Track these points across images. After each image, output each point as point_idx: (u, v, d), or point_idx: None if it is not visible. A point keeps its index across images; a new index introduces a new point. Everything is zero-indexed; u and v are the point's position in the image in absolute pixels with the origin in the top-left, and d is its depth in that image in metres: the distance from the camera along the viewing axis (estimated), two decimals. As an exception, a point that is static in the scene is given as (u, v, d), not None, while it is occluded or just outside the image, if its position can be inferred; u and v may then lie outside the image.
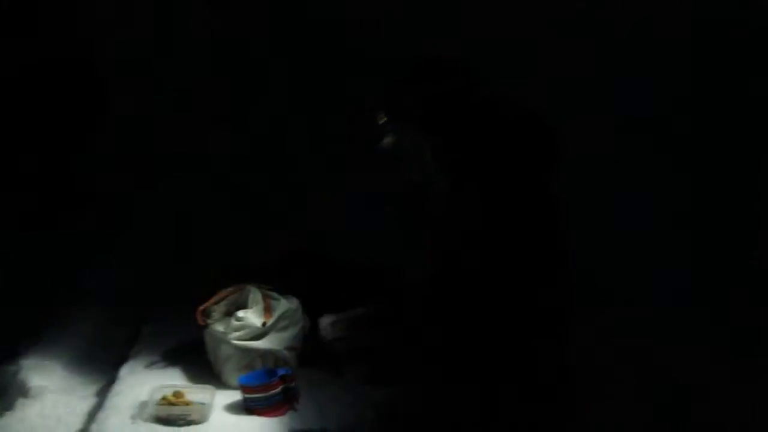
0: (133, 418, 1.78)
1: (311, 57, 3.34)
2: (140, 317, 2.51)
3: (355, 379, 2.01)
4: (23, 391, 2.10)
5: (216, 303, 2.08)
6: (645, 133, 3.25)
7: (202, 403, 1.80)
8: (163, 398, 1.80)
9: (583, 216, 2.32)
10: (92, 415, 1.90)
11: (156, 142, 3.33)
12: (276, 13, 3.32)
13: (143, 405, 1.82)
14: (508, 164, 1.81)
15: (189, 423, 1.74)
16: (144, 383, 1.96)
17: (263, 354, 1.97)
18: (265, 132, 3.37)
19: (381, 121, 2.00)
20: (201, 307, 2.05)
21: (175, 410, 1.77)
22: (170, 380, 1.98)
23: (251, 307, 2.04)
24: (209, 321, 2.04)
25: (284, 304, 2.08)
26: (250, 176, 3.31)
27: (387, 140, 2.00)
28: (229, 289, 2.13)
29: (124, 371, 2.08)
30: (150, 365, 2.12)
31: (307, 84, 3.34)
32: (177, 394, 1.82)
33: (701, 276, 2.76)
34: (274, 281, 2.20)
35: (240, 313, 2.01)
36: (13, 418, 1.98)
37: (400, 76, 2.00)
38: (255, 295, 2.08)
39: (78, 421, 1.95)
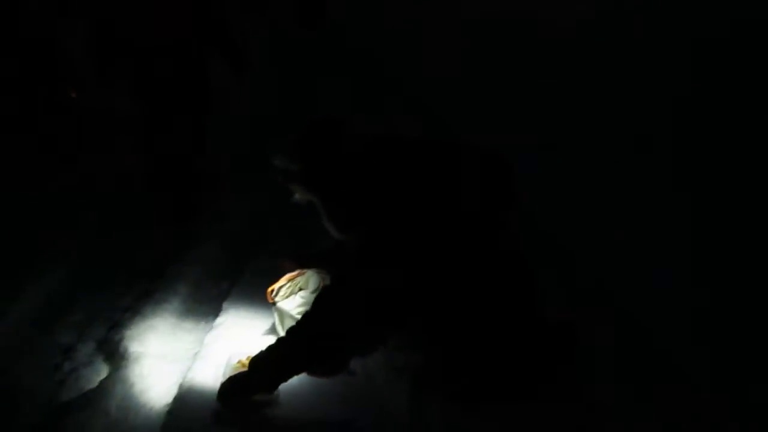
0: (216, 379, 2.14)
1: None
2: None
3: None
4: (125, 356, 2.51)
5: (282, 285, 2.44)
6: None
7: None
8: (239, 362, 2.16)
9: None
10: (183, 376, 2.29)
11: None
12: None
13: (225, 366, 2.19)
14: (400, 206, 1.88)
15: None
16: (229, 345, 2.35)
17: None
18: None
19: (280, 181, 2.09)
20: (269, 288, 2.42)
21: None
22: (248, 346, 2.34)
23: (311, 288, 2.41)
24: (276, 299, 2.40)
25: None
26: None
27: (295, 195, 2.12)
28: (294, 273, 2.48)
29: (209, 338, 2.47)
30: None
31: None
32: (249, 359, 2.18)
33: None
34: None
35: (301, 293, 2.37)
36: (116, 378, 2.41)
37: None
38: (314, 277, 2.45)
39: (172, 380, 2.34)
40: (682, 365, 2.27)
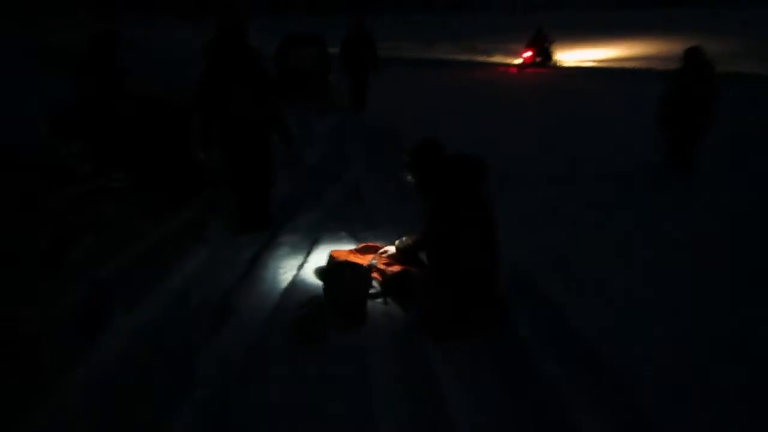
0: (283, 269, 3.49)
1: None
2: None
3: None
4: (199, 239, 3.85)
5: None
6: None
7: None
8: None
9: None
10: (254, 261, 3.63)
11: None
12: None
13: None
14: (452, 185, 3.51)
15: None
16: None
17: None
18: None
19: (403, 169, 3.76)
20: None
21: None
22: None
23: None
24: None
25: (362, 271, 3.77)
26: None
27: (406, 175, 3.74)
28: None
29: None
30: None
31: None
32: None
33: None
34: None
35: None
36: (188, 260, 3.73)
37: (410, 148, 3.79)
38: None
39: (242, 264, 3.68)
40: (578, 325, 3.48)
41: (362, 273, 3.79)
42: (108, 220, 4.81)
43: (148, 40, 21.14)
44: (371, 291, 3.80)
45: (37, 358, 3.06)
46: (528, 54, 18.19)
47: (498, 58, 21.28)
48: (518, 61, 18.70)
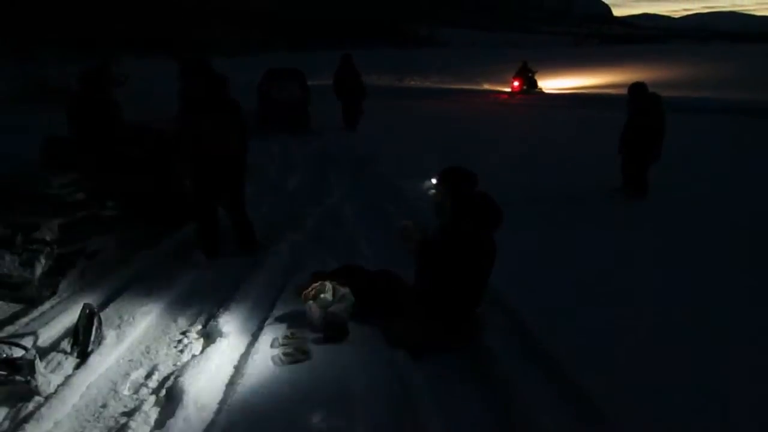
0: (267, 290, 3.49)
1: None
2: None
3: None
4: (187, 263, 3.98)
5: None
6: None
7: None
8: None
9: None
10: (239, 284, 3.79)
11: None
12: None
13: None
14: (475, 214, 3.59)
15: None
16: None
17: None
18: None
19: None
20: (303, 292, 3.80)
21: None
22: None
23: (327, 293, 3.77)
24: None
25: (343, 291, 3.79)
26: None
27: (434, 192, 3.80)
28: (316, 285, 3.85)
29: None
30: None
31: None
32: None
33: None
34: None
35: (322, 296, 3.74)
36: (176, 284, 3.84)
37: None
38: (329, 286, 3.80)
39: (228, 287, 3.83)
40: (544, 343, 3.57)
41: (344, 292, 3.81)
42: (99, 248, 4.78)
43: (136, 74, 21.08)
44: (351, 309, 3.82)
45: (31, 379, 3.02)
46: (516, 84, 20.37)
47: (488, 86, 22.52)
48: (508, 89, 20.86)
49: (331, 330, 3.61)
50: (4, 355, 3.12)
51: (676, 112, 8.87)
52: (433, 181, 3.90)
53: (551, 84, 22.06)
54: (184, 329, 3.87)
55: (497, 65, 29.03)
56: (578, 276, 4.51)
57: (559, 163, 8.94)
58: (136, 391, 3.16)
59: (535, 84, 20.58)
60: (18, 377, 3.00)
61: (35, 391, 3.02)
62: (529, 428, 2.81)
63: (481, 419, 2.94)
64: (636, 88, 6.98)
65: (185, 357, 3.51)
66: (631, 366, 3.27)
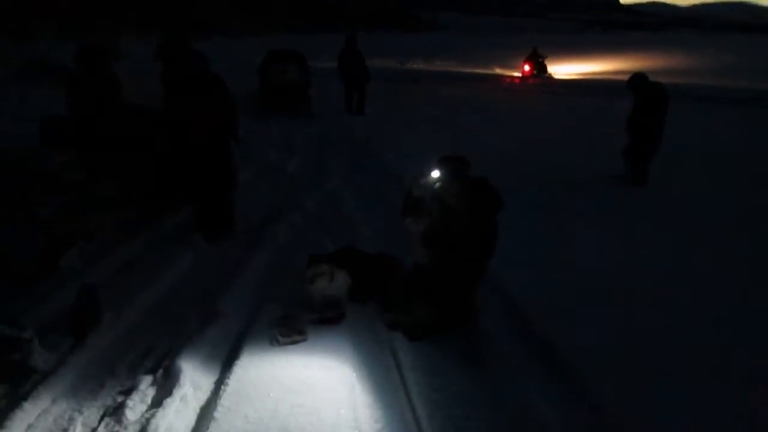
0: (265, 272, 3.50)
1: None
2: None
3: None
4: (186, 243, 4.07)
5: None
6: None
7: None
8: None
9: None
10: (238, 265, 3.82)
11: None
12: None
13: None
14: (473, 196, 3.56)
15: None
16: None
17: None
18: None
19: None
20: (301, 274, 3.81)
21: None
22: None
23: (325, 275, 3.76)
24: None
25: (341, 274, 3.79)
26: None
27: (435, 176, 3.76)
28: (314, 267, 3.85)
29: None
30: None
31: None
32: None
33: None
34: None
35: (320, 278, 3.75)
36: (175, 264, 3.87)
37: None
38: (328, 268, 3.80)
39: (227, 268, 3.88)
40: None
41: (341, 274, 3.81)
42: (98, 227, 4.77)
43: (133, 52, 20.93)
44: (349, 292, 3.83)
45: (29, 358, 3.03)
46: (527, 68, 21.03)
47: (500, 70, 23.60)
48: (517, 74, 21.63)
49: (329, 312, 3.62)
50: (2, 334, 3.12)
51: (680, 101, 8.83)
52: (433, 169, 3.86)
53: (559, 69, 22.32)
54: (182, 309, 3.87)
55: (504, 50, 28.93)
56: (578, 263, 4.51)
57: (564, 150, 8.91)
58: (133, 371, 3.17)
59: (544, 69, 21.12)
60: (15, 356, 3.01)
61: (33, 370, 3.03)
62: (521, 409, 2.83)
63: (474, 399, 2.96)
64: (636, 78, 6.98)
65: (182, 337, 3.49)
66: (626, 351, 3.28)
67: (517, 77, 21.29)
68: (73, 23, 27.72)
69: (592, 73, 22.64)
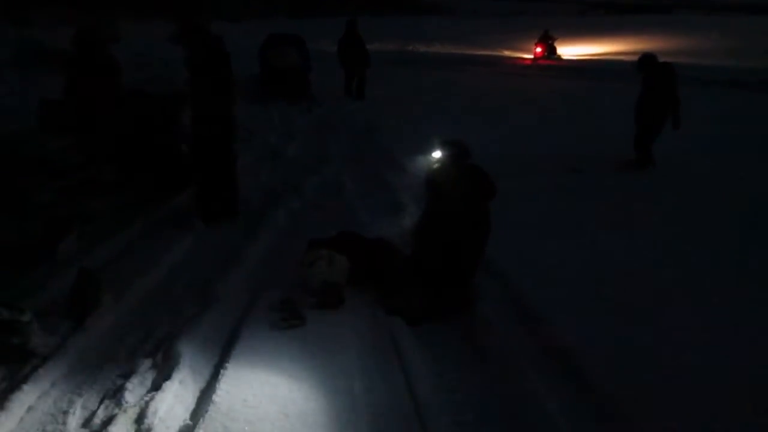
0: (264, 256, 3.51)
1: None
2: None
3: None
4: (185, 227, 4.18)
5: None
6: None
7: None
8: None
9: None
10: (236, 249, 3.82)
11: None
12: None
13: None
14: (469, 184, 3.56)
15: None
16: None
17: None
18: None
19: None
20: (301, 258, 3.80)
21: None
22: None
23: (324, 260, 3.76)
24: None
25: (339, 258, 3.79)
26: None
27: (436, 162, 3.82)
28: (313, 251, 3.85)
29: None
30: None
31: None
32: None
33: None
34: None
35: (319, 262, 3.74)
36: (174, 248, 3.95)
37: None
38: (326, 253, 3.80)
39: (226, 252, 3.92)
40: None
41: (340, 259, 3.81)
42: (97, 212, 4.77)
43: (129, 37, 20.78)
44: (348, 276, 3.83)
45: (28, 341, 3.04)
46: (539, 50, 21.47)
47: (509, 53, 23.98)
48: (530, 56, 22.00)
49: (328, 296, 3.62)
50: (1, 318, 3.13)
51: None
52: (432, 154, 3.85)
53: (566, 51, 22.55)
54: (180, 293, 3.88)
55: (513, 32, 28.82)
56: (578, 249, 4.49)
57: (570, 133, 8.85)
58: (133, 354, 3.18)
59: (554, 51, 21.63)
60: (15, 339, 3.02)
61: (32, 353, 3.04)
62: (517, 390, 2.86)
63: (473, 385, 2.98)
64: (646, 58, 6.92)
65: (181, 321, 3.51)
66: (624, 334, 3.28)
67: (529, 59, 21.67)
68: (72, 7, 27.48)
69: (598, 54, 23.04)
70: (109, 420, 2.61)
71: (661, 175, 6.74)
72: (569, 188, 6.15)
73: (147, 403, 2.70)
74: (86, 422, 2.65)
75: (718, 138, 8.38)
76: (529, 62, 21.11)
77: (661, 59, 7.02)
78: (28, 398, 2.75)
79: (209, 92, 4.70)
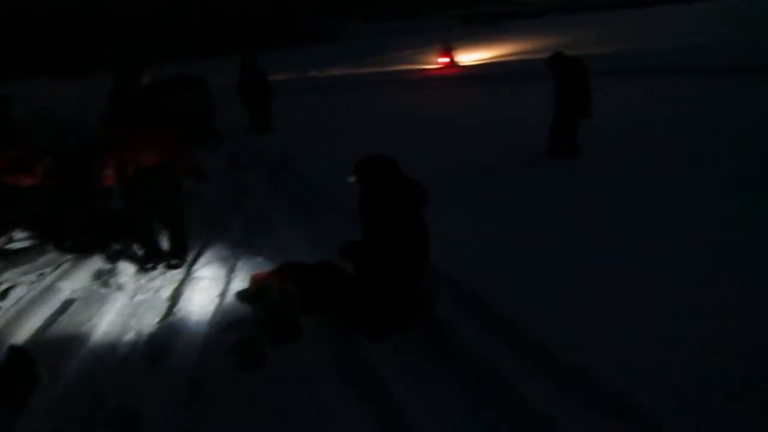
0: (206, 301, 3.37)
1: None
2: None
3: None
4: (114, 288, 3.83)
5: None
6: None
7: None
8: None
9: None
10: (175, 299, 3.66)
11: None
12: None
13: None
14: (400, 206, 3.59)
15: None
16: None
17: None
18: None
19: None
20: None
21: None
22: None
23: (272, 292, 3.68)
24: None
25: (287, 288, 3.72)
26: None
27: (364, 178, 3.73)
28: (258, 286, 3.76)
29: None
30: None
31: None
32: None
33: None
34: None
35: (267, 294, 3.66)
36: (108, 311, 3.68)
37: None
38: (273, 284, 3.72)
39: (164, 304, 3.60)
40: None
41: (289, 289, 3.74)
42: (14, 284, 4.42)
43: (30, 96, 19.55)
44: (301, 304, 3.76)
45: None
46: (446, 60, 23.63)
47: (409, 66, 24.93)
48: (435, 66, 23.63)
49: (284, 329, 3.54)
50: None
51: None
52: (357, 171, 3.85)
53: (464, 58, 24.43)
54: (125, 353, 3.66)
55: (407, 49, 30.21)
56: (516, 240, 4.64)
57: (487, 135, 9.16)
58: (85, 426, 2.96)
59: (453, 59, 23.86)
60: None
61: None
62: (492, 384, 2.94)
63: (447, 382, 3.05)
64: (555, 55, 7.41)
65: (132, 381, 3.31)
66: (572, 311, 3.43)
67: (435, 69, 22.99)
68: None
69: (490, 58, 24.58)
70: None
71: (586, 162, 7.08)
72: (497, 185, 6.36)
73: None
74: None
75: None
76: (436, 72, 22.11)
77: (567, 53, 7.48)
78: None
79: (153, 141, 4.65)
